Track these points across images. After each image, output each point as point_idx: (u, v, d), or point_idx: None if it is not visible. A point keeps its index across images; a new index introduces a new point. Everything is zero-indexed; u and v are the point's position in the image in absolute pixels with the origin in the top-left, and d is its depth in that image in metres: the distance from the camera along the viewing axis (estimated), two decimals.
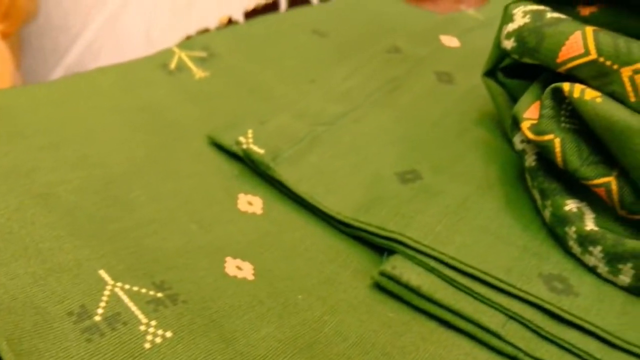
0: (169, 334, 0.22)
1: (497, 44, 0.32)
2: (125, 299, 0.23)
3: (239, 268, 0.27)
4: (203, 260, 0.26)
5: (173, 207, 0.29)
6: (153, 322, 0.22)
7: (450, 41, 0.44)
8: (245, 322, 0.24)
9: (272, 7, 0.56)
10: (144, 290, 0.23)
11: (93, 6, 0.85)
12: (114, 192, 0.28)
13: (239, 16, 0.54)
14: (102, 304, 0.22)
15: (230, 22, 0.53)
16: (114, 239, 0.26)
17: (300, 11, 0.51)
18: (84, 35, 0.86)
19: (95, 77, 0.37)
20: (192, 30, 0.54)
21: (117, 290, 0.23)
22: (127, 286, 0.23)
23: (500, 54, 0.33)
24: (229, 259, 0.27)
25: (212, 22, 0.54)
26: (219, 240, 0.28)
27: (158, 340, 0.21)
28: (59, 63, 0.86)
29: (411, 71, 0.40)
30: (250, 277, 0.26)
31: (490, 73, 0.34)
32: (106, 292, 0.22)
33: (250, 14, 0.55)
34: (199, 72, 0.40)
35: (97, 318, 0.21)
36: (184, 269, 0.26)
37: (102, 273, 0.23)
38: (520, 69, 0.33)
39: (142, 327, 0.22)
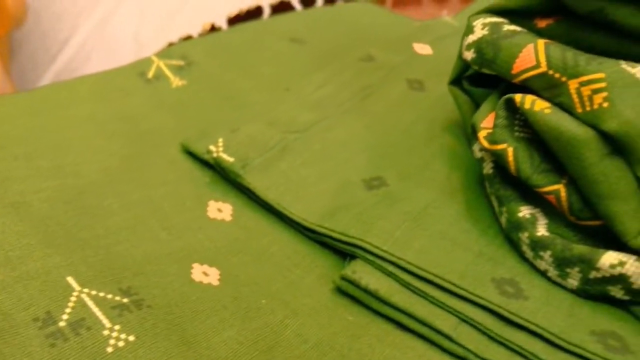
0: (131, 338, 0.23)
1: (460, 54, 0.33)
2: (91, 304, 0.24)
3: (205, 274, 0.28)
4: (171, 267, 0.28)
5: (144, 215, 0.30)
6: (117, 327, 0.23)
7: (423, 49, 0.45)
8: (208, 325, 0.25)
9: (255, 14, 0.57)
10: (110, 296, 0.24)
11: (82, 10, 0.86)
12: (86, 201, 0.29)
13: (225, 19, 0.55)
14: (68, 310, 0.23)
15: (213, 28, 0.54)
16: (84, 246, 0.27)
17: (281, 19, 0.52)
18: (73, 40, 0.87)
19: (74, 86, 0.38)
20: (181, 33, 0.55)
21: (83, 296, 0.24)
22: (93, 292, 0.24)
23: (464, 64, 0.34)
24: (196, 265, 0.28)
25: (201, 26, 0.55)
26: (188, 247, 0.29)
27: (121, 344, 0.23)
28: (49, 67, 0.87)
29: (383, 79, 0.41)
30: (216, 283, 0.27)
31: (456, 81, 0.35)
32: (72, 299, 0.24)
33: (233, 20, 0.56)
34: (176, 81, 0.41)
35: (62, 324, 0.23)
36: (151, 275, 0.27)
37: (70, 280, 0.24)
38: (484, 77, 0.34)
39: (106, 332, 0.23)
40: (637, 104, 0.24)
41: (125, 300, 0.25)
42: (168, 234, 0.29)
